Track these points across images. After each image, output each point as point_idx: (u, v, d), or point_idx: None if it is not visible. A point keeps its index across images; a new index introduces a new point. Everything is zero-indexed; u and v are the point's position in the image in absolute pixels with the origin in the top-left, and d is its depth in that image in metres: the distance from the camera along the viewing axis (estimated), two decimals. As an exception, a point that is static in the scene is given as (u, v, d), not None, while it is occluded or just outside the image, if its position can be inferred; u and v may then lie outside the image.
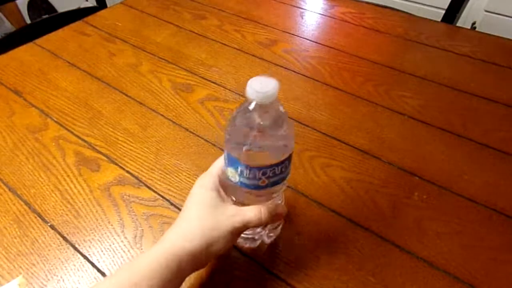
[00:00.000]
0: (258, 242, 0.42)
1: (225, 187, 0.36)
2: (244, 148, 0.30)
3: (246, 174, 0.31)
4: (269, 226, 0.41)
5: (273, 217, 0.35)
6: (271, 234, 0.43)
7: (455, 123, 0.60)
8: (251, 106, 0.29)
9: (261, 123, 0.30)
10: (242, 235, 0.38)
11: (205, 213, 0.34)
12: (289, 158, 0.33)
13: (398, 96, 0.65)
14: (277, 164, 0.31)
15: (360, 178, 0.51)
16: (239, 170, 0.32)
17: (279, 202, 0.40)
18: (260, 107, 0.29)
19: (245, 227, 0.33)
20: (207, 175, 0.36)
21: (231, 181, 0.33)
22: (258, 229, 0.40)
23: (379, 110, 0.63)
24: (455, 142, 0.57)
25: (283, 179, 0.34)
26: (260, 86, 0.27)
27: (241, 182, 0.32)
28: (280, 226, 0.43)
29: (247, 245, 0.42)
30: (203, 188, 0.35)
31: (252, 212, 0.34)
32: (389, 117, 0.61)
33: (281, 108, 0.31)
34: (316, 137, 0.57)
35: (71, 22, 0.85)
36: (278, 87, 0.28)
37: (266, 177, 0.32)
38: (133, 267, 0.32)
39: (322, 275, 0.41)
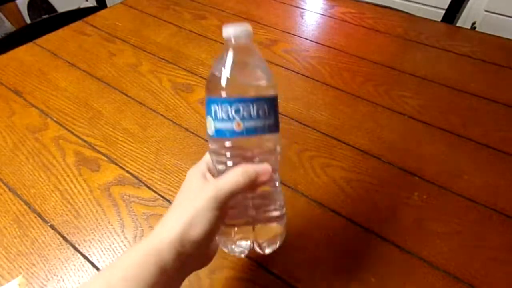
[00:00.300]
0: (243, 254, 0.36)
1: (214, 170, 0.34)
2: (218, 75, 0.31)
3: (219, 114, 0.30)
4: (259, 241, 0.35)
5: (253, 177, 0.30)
6: (265, 244, 0.36)
7: (455, 123, 0.60)
8: (228, 47, 0.31)
9: (236, 57, 0.31)
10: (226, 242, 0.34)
11: (184, 197, 0.31)
12: (267, 104, 0.31)
13: (398, 96, 0.65)
14: (250, 100, 0.30)
15: (360, 178, 0.51)
16: (213, 110, 0.30)
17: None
18: (236, 46, 0.31)
19: (224, 195, 0.29)
20: (197, 163, 0.35)
21: (209, 135, 0.32)
22: (243, 243, 0.35)
23: (379, 110, 0.63)
24: (455, 142, 0.57)
25: (262, 128, 0.31)
26: (235, 25, 0.30)
27: (216, 130, 0.31)
28: (279, 241, 0.37)
29: (234, 253, 0.37)
30: (189, 174, 0.33)
31: (227, 176, 0.30)
32: (389, 117, 0.61)
33: (258, 53, 0.32)
34: (316, 137, 0.57)
35: (71, 22, 0.85)
36: (251, 30, 0.31)
37: (240, 118, 0.30)
38: (112, 268, 0.28)
39: (322, 275, 0.41)
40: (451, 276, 0.41)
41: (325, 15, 0.91)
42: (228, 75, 0.31)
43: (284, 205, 0.36)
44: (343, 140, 0.57)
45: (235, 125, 0.30)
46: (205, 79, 0.69)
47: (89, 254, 0.43)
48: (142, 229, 0.45)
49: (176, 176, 0.51)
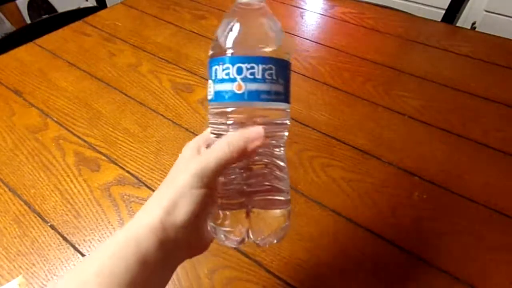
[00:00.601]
0: (234, 244, 0.30)
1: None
2: (223, 34, 0.28)
3: (220, 74, 0.26)
4: (255, 231, 0.29)
5: (242, 145, 0.26)
6: (261, 237, 0.30)
7: (455, 123, 0.60)
8: (238, 5, 0.28)
9: (246, 17, 0.28)
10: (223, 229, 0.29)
11: (168, 176, 0.27)
12: (276, 67, 0.27)
13: (398, 96, 0.65)
14: (256, 59, 0.26)
15: (360, 178, 0.51)
16: (213, 71, 0.27)
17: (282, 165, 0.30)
18: (247, 4, 0.28)
19: (209, 171, 0.25)
20: (196, 137, 0.31)
21: (208, 100, 0.29)
22: (236, 231, 0.29)
23: (379, 110, 0.63)
24: (455, 142, 0.57)
25: (267, 94, 0.27)
26: None
27: (215, 93, 0.27)
28: (279, 234, 0.30)
29: (227, 242, 0.30)
30: (183, 149, 0.29)
31: (212, 148, 0.26)
32: (389, 117, 0.61)
33: (272, 15, 0.29)
34: (316, 137, 0.57)
35: (71, 22, 0.85)
36: None
37: (242, 78, 0.26)
38: (87, 262, 0.24)
39: (322, 275, 0.41)
40: (451, 276, 0.41)
41: (325, 15, 0.91)
42: (235, 34, 0.27)
43: (289, 191, 0.30)
44: (343, 140, 0.57)
45: (236, 87, 0.26)
46: (205, 79, 0.69)
47: (89, 254, 0.43)
48: (142, 229, 0.45)
49: (176, 176, 0.51)
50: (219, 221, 0.28)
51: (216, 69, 0.27)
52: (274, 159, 0.30)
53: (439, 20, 0.93)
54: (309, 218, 0.46)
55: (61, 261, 0.42)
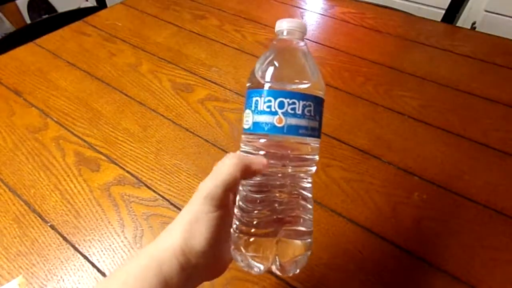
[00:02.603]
0: (261, 269, 0.30)
1: None
2: (264, 67, 0.30)
3: (260, 106, 0.28)
4: (282, 258, 0.30)
5: (246, 162, 0.27)
6: (287, 264, 0.30)
7: (455, 123, 0.60)
8: (278, 41, 0.30)
9: (285, 52, 0.30)
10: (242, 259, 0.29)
11: (189, 203, 0.28)
12: (314, 104, 0.28)
13: (398, 96, 0.65)
14: (297, 95, 0.27)
15: (360, 178, 0.51)
16: (253, 102, 0.28)
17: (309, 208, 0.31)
18: (287, 40, 0.30)
19: (219, 192, 0.26)
20: None
21: (244, 130, 0.30)
22: (261, 257, 0.30)
23: (379, 110, 0.63)
24: (455, 142, 0.57)
25: (305, 129, 0.28)
26: (290, 20, 0.30)
27: (254, 124, 0.28)
28: (301, 262, 0.31)
29: (250, 269, 0.30)
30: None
31: (217, 168, 0.27)
32: (389, 117, 0.61)
33: (309, 52, 0.31)
34: (316, 137, 0.57)
35: (71, 22, 0.85)
36: (306, 27, 0.31)
37: (282, 112, 0.27)
38: (110, 280, 0.25)
39: (322, 275, 0.41)
40: (451, 276, 0.41)
41: (325, 15, 0.91)
42: (275, 68, 0.29)
43: (312, 222, 0.31)
44: (343, 140, 0.57)
45: (276, 120, 0.27)
46: (205, 79, 0.69)
47: (89, 254, 0.43)
48: (142, 229, 0.45)
49: (176, 176, 0.51)
50: (245, 248, 0.29)
51: (256, 100, 0.28)
52: (302, 191, 0.31)
53: (439, 20, 0.93)
54: (309, 218, 0.46)
55: (61, 261, 0.42)
